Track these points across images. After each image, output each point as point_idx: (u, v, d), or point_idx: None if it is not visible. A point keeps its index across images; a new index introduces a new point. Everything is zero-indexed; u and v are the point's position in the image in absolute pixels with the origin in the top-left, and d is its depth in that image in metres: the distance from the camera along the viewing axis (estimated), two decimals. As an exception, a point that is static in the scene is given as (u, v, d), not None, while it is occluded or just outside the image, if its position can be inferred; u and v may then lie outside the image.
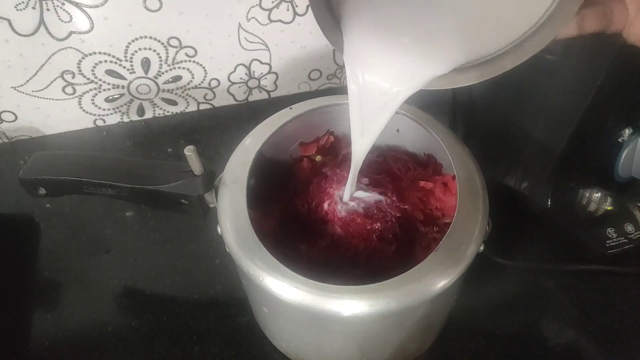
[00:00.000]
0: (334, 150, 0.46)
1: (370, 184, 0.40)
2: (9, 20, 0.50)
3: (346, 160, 0.44)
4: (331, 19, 0.30)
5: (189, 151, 0.33)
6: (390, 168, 0.43)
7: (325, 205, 0.39)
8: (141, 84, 0.60)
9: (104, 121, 0.63)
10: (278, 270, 0.31)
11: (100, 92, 0.59)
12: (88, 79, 0.57)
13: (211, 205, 0.37)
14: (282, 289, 0.31)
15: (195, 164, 0.34)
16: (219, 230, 0.35)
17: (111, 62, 0.56)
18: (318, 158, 0.45)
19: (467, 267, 0.32)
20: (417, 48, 0.29)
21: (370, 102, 0.33)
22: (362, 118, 0.34)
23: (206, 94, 0.64)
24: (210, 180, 0.36)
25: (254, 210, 0.35)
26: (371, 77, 0.31)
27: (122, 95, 0.61)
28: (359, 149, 0.36)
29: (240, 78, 0.64)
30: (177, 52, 0.58)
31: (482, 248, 0.33)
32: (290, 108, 0.42)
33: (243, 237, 0.33)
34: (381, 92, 0.32)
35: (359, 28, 0.30)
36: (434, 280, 0.31)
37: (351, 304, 0.30)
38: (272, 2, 0.56)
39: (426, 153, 0.44)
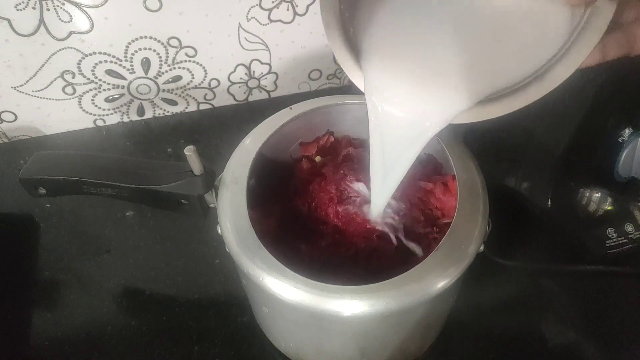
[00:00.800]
0: (334, 151, 0.46)
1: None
2: (9, 20, 0.50)
3: (346, 160, 0.44)
4: (351, 55, 0.29)
5: (189, 151, 0.33)
6: None
7: (329, 210, 0.39)
8: (141, 84, 0.60)
9: (104, 121, 0.63)
10: (278, 270, 0.31)
11: (100, 92, 0.59)
12: (88, 79, 0.57)
13: (211, 205, 0.37)
14: (282, 289, 0.31)
15: (195, 164, 0.34)
16: (219, 230, 0.35)
17: (111, 62, 0.56)
18: (318, 159, 0.45)
19: (467, 267, 0.32)
20: (440, 81, 0.29)
21: (393, 139, 0.31)
22: (384, 160, 0.32)
23: (206, 94, 0.64)
24: (210, 180, 0.36)
25: (254, 210, 0.35)
26: (392, 109, 0.29)
27: (122, 95, 0.61)
28: (381, 196, 0.35)
29: (240, 78, 0.64)
30: (177, 52, 0.58)
31: (482, 248, 0.33)
32: (290, 108, 0.42)
33: (243, 237, 0.33)
34: (404, 128, 0.30)
35: (380, 62, 0.29)
36: (434, 280, 0.31)
37: (351, 304, 0.30)
38: (272, 2, 0.56)
39: (426, 153, 0.44)
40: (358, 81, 0.30)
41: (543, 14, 0.28)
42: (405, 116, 0.29)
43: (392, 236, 0.37)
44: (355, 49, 0.30)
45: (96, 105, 0.61)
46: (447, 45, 0.29)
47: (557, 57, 0.26)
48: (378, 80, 0.29)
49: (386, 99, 0.29)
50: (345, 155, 0.44)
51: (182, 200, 0.36)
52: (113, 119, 0.63)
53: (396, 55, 0.29)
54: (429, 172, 0.43)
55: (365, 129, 0.43)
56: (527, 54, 0.28)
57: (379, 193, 0.35)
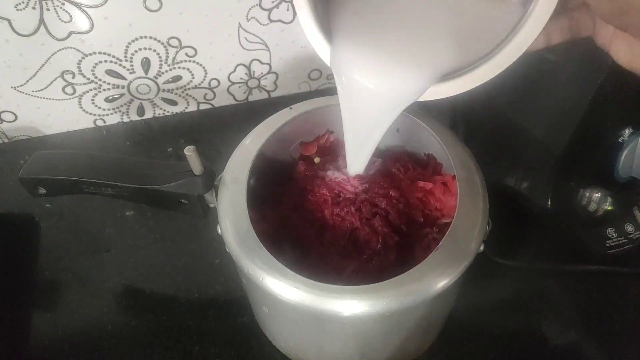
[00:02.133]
0: (334, 151, 0.46)
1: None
2: (9, 20, 0.50)
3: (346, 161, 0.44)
4: (318, 27, 0.30)
5: (189, 151, 0.33)
6: (390, 168, 0.43)
7: (325, 211, 0.40)
8: (141, 84, 0.60)
9: (104, 121, 0.63)
10: (278, 270, 0.31)
11: (100, 92, 0.59)
12: (88, 79, 0.57)
13: (211, 205, 0.37)
14: (282, 289, 0.31)
15: (195, 163, 0.34)
16: (219, 230, 0.35)
17: (111, 62, 0.56)
18: (317, 159, 0.45)
19: (467, 267, 0.32)
20: (404, 57, 0.30)
21: (363, 112, 0.33)
22: (356, 132, 0.34)
23: (206, 94, 0.64)
24: (211, 180, 0.36)
25: (254, 211, 0.35)
26: (359, 79, 0.31)
27: (122, 95, 0.61)
28: (356, 163, 0.36)
29: (240, 78, 0.64)
30: (177, 52, 0.58)
31: (482, 248, 0.33)
32: (290, 108, 0.42)
33: (243, 237, 0.33)
34: (371, 99, 0.31)
35: (348, 35, 0.30)
36: (434, 280, 0.31)
37: (351, 304, 0.30)
38: (272, 2, 0.56)
39: (426, 153, 0.44)
40: (324, 55, 0.31)
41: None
42: (371, 86, 0.30)
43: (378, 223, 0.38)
44: (324, 26, 0.30)
45: (96, 105, 0.61)
46: (410, 23, 0.30)
47: (507, 40, 0.27)
48: (347, 52, 0.30)
49: (353, 69, 0.30)
50: (345, 156, 0.44)
51: (182, 200, 0.36)
52: (113, 119, 0.63)
53: (363, 30, 0.31)
54: (428, 172, 0.43)
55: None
56: (483, 34, 0.29)
57: (353, 160, 0.37)
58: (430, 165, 0.43)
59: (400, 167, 0.43)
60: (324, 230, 0.39)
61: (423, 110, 0.41)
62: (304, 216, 0.40)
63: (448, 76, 0.29)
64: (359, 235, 0.39)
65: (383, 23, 0.31)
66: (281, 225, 0.40)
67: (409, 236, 0.39)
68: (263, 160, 0.39)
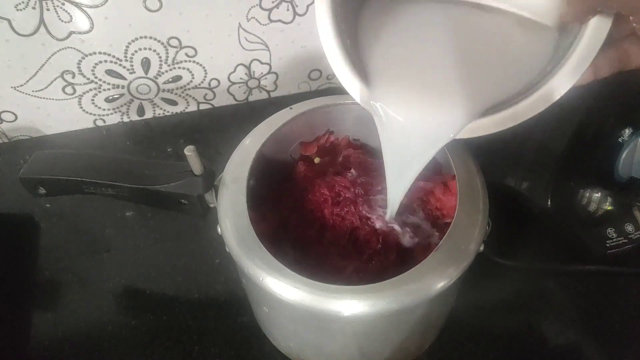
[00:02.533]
0: (334, 151, 0.46)
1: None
2: (9, 20, 0.50)
3: (345, 162, 0.44)
4: (349, 65, 0.29)
5: (189, 151, 0.33)
6: None
7: (325, 212, 0.39)
8: (141, 84, 0.60)
9: (104, 121, 0.63)
10: (278, 270, 0.31)
11: (100, 92, 0.59)
12: (88, 79, 0.57)
13: (211, 205, 0.37)
14: (282, 289, 0.31)
15: (195, 163, 0.34)
16: (219, 230, 0.35)
17: (111, 62, 0.56)
18: (317, 160, 0.45)
19: (467, 267, 0.32)
20: (439, 94, 0.29)
21: (401, 147, 0.31)
22: (396, 166, 0.33)
23: (206, 94, 0.64)
24: (211, 180, 0.36)
25: (254, 211, 0.35)
26: (396, 115, 0.29)
27: (122, 95, 0.61)
28: (394, 200, 0.35)
29: (240, 78, 0.64)
30: (177, 52, 0.58)
31: (482, 248, 0.33)
32: (291, 108, 0.42)
33: (243, 237, 0.33)
34: (409, 136, 0.30)
35: (384, 72, 0.30)
36: (434, 280, 0.31)
37: (351, 304, 0.30)
38: (272, 2, 0.56)
39: None
40: (354, 91, 0.30)
41: (536, 30, 0.28)
42: (408, 123, 0.29)
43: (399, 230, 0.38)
44: (352, 60, 0.30)
45: (96, 105, 0.61)
46: (447, 58, 0.29)
47: (552, 74, 0.25)
48: (384, 88, 0.30)
49: (390, 105, 0.29)
50: (345, 156, 0.44)
51: (182, 200, 0.36)
52: (113, 119, 0.63)
53: (399, 66, 0.30)
54: (429, 172, 0.43)
55: (365, 129, 0.44)
56: (522, 69, 0.28)
57: (392, 197, 0.36)
58: (430, 165, 0.43)
59: None
60: (324, 230, 0.39)
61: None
62: (304, 216, 0.40)
63: (489, 111, 0.28)
64: (359, 235, 0.39)
65: (419, 58, 0.30)
66: (281, 225, 0.40)
67: (409, 236, 0.39)
68: (263, 160, 0.39)
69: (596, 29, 0.24)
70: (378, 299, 0.30)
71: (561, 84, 0.25)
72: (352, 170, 0.42)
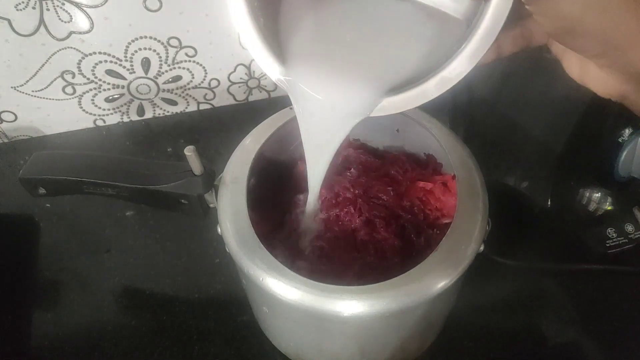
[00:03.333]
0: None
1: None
2: (9, 20, 0.50)
3: (345, 162, 0.44)
4: (263, 42, 0.30)
5: (189, 151, 0.33)
6: (388, 171, 0.43)
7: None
8: (141, 84, 0.60)
9: (104, 121, 0.63)
10: (278, 270, 0.31)
11: (100, 92, 0.59)
12: (88, 79, 0.57)
13: (211, 205, 0.37)
14: (282, 289, 0.31)
15: (195, 164, 0.34)
16: (218, 230, 0.35)
17: (111, 62, 0.56)
18: None
19: (467, 267, 0.32)
20: (352, 72, 0.30)
21: (317, 124, 0.32)
22: (312, 144, 0.33)
23: (206, 94, 0.64)
24: (210, 180, 0.36)
25: (254, 211, 0.35)
26: (312, 92, 0.30)
27: (122, 95, 0.61)
28: (314, 182, 0.36)
29: (240, 78, 0.64)
30: (177, 52, 0.58)
31: (482, 248, 0.33)
32: (291, 108, 0.42)
33: (243, 237, 0.33)
34: (324, 113, 0.31)
35: (299, 50, 0.31)
36: (434, 280, 0.31)
37: (351, 304, 0.30)
38: (272, 2, 0.56)
39: (426, 153, 0.44)
40: (269, 67, 0.31)
41: (446, 20, 0.29)
42: (322, 99, 0.30)
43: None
44: (269, 41, 0.30)
45: (96, 105, 0.61)
46: (359, 41, 0.30)
47: (458, 54, 0.26)
48: (300, 65, 0.30)
49: (305, 82, 0.30)
50: (346, 156, 0.44)
51: (182, 200, 0.36)
52: (113, 119, 0.63)
53: (315, 47, 0.31)
54: (428, 172, 0.43)
55: (365, 129, 0.44)
56: (431, 53, 0.28)
57: (313, 181, 0.36)
58: (430, 165, 0.43)
59: (398, 169, 0.43)
60: (324, 230, 0.39)
61: (423, 110, 0.41)
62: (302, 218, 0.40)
63: (399, 90, 0.29)
64: (358, 235, 0.39)
65: (334, 39, 0.31)
66: (281, 225, 0.40)
67: (409, 236, 0.39)
68: (263, 160, 0.39)
69: (497, 9, 0.24)
70: (378, 299, 0.30)
71: (465, 63, 0.26)
72: (352, 170, 0.42)
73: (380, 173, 0.43)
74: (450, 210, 0.39)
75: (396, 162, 0.43)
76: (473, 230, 0.33)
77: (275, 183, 0.42)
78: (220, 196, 0.36)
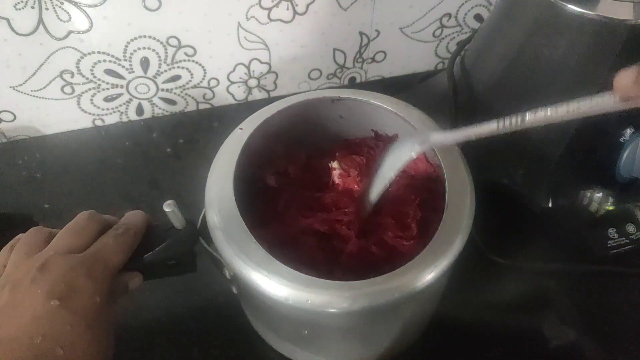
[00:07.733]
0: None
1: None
2: (7, 20, 0.50)
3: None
4: None
5: (169, 206, 0.30)
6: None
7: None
8: (140, 84, 0.60)
9: (103, 121, 0.63)
10: (266, 266, 0.31)
11: (99, 91, 0.59)
12: (87, 78, 0.57)
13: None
14: (271, 286, 0.30)
15: (176, 217, 0.31)
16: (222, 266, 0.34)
17: (110, 61, 0.56)
18: (335, 164, 0.44)
19: (454, 262, 0.32)
20: None
21: None
22: None
23: (205, 94, 0.64)
24: (194, 230, 0.33)
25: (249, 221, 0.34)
26: None
27: (121, 94, 0.60)
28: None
29: (240, 77, 0.63)
30: (176, 51, 0.57)
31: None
32: (241, 128, 0.41)
33: (232, 230, 0.33)
34: None
35: None
36: (420, 275, 0.31)
37: (340, 299, 0.30)
38: (272, 1, 0.56)
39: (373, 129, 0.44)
40: None
41: None
42: None
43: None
44: None
45: (95, 105, 0.61)
46: None
47: None
48: None
49: None
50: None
51: (171, 262, 0.34)
52: (112, 119, 0.63)
53: None
54: (420, 170, 0.42)
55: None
56: None
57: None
58: (422, 164, 0.43)
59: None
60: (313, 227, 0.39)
61: (423, 110, 0.41)
62: (296, 215, 0.40)
63: None
64: (349, 234, 0.38)
65: None
66: (277, 225, 0.40)
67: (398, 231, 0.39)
68: (241, 183, 0.37)
69: None
70: (366, 294, 0.30)
71: None
72: (352, 170, 0.42)
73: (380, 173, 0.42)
74: (439, 206, 0.38)
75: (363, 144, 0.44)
76: (460, 225, 0.33)
77: (261, 197, 0.42)
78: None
